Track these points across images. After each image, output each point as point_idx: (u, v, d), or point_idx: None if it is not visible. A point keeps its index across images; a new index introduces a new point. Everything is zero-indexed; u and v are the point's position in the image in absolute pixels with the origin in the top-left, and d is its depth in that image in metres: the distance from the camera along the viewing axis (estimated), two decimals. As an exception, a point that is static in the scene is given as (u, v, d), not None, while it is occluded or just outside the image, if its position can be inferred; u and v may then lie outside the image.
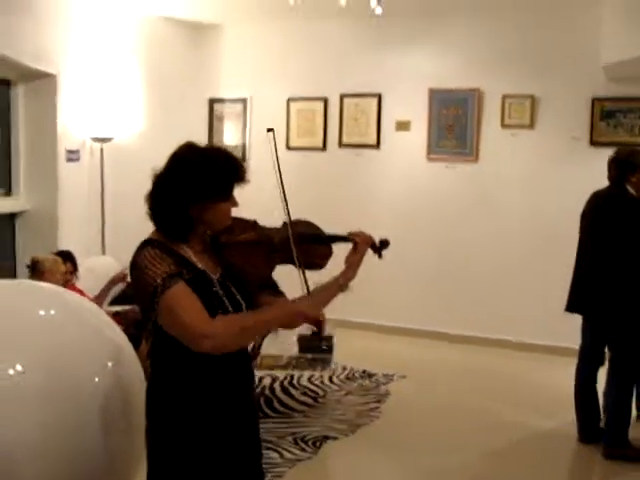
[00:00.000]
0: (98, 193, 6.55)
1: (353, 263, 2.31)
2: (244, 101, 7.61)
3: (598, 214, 4.55)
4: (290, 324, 2.25)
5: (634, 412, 4.78)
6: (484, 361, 6.38)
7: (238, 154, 2.24)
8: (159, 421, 2.17)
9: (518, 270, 6.69)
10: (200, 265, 2.13)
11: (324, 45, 7.25)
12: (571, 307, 4.66)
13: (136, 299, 2.15)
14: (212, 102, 7.77)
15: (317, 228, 2.37)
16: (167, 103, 7.32)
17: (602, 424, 4.57)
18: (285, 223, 2.26)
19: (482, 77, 6.67)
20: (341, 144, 7.31)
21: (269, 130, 2.32)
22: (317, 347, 4.74)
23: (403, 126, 7.05)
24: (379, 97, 7.10)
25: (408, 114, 7.02)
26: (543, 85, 6.49)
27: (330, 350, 4.92)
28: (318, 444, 4.47)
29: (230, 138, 7.69)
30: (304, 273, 2.21)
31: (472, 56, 6.72)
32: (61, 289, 3.23)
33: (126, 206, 6.55)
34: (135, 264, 2.08)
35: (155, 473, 2.18)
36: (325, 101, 7.32)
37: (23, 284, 3.24)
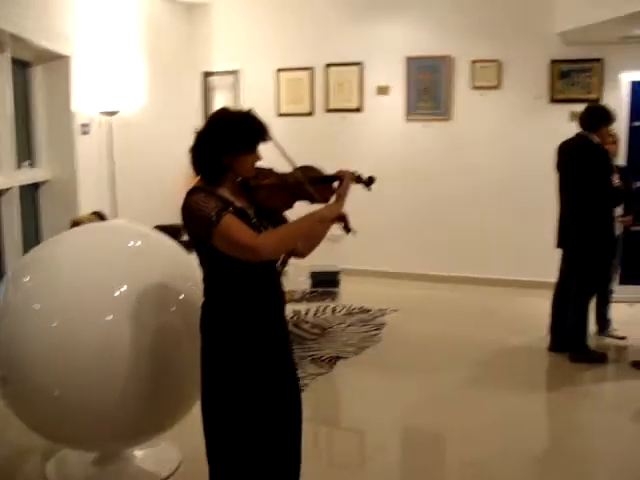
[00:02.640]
0: (109, 161, 7.14)
1: (342, 194, 2.81)
2: (236, 73, 8.23)
3: (570, 160, 5.20)
4: (321, 229, 2.72)
5: (594, 327, 5.71)
6: (464, 296, 7.22)
7: None
8: (211, 332, 2.67)
9: (488, 216, 7.48)
10: (238, 204, 2.65)
11: (308, 19, 7.87)
12: (560, 244, 5.41)
13: (190, 233, 2.61)
14: (206, 75, 8.38)
15: (319, 170, 2.93)
16: (165, 78, 7.90)
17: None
18: (295, 168, 2.80)
19: (453, 45, 7.37)
20: (327, 109, 8.00)
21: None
22: (327, 281, 5.46)
23: (383, 91, 7.76)
24: (361, 65, 7.78)
25: (387, 80, 7.71)
26: (507, 50, 7.19)
27: (337, 284, 5.69)
28: (332, 362, 5.29)
29: (223, 108, 8.29)
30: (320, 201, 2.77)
31: (444, 26, 7.39)
32: (140, 226, 3.80)
33: (133, 171, 7.20)
34: (187, 206, 2.55)
35: (207, 374, 2.68)
36: (311, 70, 7.97)
37: (113, 224, 3.88)
